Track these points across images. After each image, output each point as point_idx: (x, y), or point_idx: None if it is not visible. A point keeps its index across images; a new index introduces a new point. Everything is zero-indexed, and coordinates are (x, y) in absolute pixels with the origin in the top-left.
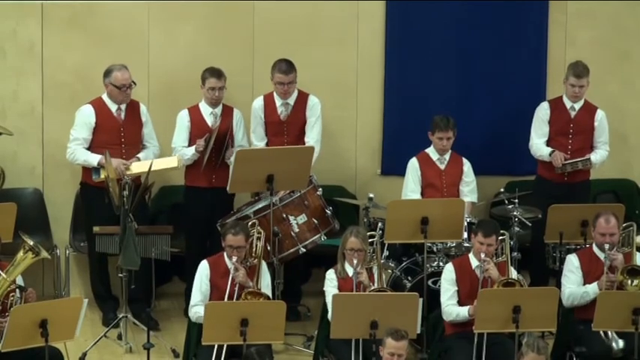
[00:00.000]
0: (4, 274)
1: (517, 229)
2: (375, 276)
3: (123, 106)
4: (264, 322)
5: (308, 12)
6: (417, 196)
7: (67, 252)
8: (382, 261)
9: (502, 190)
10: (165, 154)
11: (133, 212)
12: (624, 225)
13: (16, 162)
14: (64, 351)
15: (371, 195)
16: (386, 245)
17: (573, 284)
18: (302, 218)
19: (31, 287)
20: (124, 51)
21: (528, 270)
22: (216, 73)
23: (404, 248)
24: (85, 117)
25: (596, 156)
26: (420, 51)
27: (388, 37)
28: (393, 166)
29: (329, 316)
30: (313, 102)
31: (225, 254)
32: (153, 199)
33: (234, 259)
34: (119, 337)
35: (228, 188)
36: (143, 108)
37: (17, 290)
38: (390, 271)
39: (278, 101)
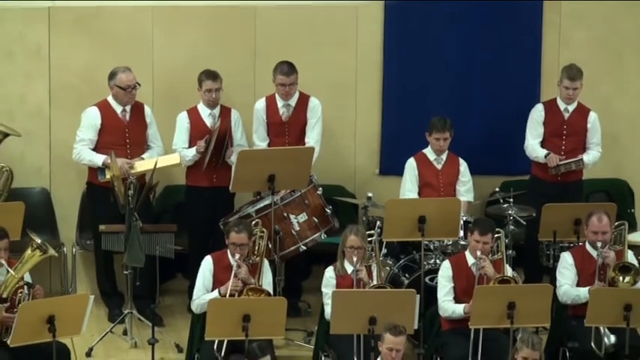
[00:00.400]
0: (12, 271)
1: (512, 227)
2: (374, 273)
3: (128, 108)
4: (265, 318)
5: (308, 15)
6: (415, 195)
7: (74, 250)
8: (380, 258)
9: (497, 189)
10: (169, 154)
11: (137, 211)
12: (616, 223)
13: (24, 162)
14: (70, 346)
15: (370, 194)
16: (384, 243)
17: (568, 280)
18: (302, 217)
19: (39, 284)
20: (128, 53)
21: (523, 267)
22: (212, 75)
23: (402, 246)
24: (91, 118)
25: (589, 157)
26: (417, 53)
27: (386, 39)
28: (392, 166)
29: (326, 314)
30: (314, 103)
31: (228, 251)
32: (157, 198)
33: (237, 256)
34: (124, 333)
35: (230, 188)
36: (147, 109)
37: (25, 287)
38: (388, 268)
39: (280, 102)
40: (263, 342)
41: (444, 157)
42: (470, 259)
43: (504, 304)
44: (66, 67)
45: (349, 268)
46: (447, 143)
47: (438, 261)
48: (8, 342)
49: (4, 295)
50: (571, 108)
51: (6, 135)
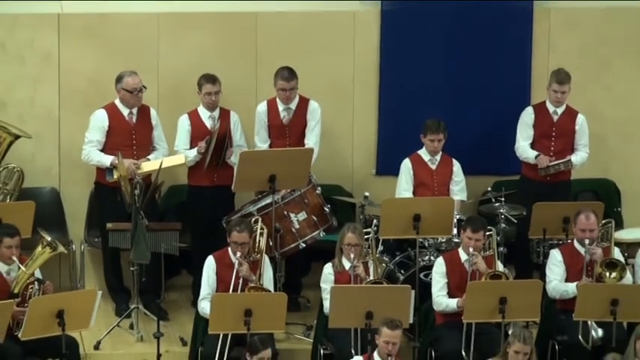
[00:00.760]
0: (23, 268)
1: (503, 225)
2: (371, 269)
3: (134, 110)
4: (266, 313)
5: (308, 22)
6: (410, 194)
7: (82, 247)
8: (377, 255)
9: (489, 189)
10: (174, 155)
11: (143, 210)
12: (603, 221)
13: (34, 163)
14: (79, 339)
15: (366, 194)
16: (380, 240)
17: (557, 276)
18: (302, 215)
19: (49, 280)
20: (134, 59)
21: (513, 264)
22: (211, 78)
23: (397, 243)
24: (99, 121)
25: (577, 157)
26: (412, 58)
27: (383, 46)
28: (388, 167)
29: (325, 309)
30: (313, 107)
31: (229, 249)
32: (162, 197)
33: (239, 254)
34: (131, 327)
35: (232, 188)
36: (153, 112)
37: (36, 282)
38: (384, 264)
39: (280, 106)
40: (264, 335)
41: (438, 157)
42: (463, 256)
43: (496, 299)
44: (75, 72)
45: (347, 265)
46: (440, 144)
47: (432, 257)
48: (19, 335)
49: (16, 291)
50: (560, 111)
51: (17, 137)
